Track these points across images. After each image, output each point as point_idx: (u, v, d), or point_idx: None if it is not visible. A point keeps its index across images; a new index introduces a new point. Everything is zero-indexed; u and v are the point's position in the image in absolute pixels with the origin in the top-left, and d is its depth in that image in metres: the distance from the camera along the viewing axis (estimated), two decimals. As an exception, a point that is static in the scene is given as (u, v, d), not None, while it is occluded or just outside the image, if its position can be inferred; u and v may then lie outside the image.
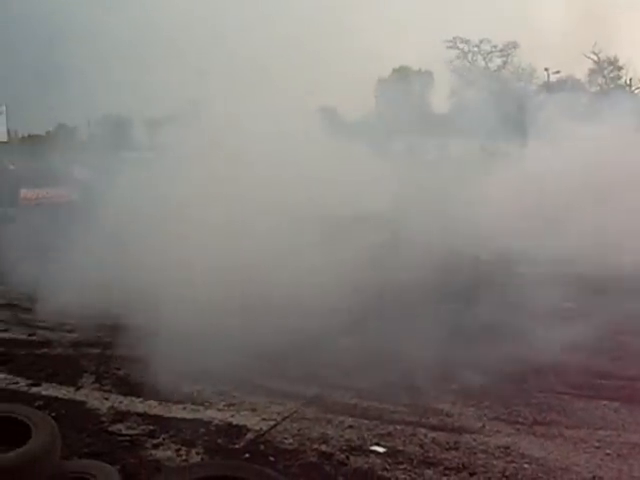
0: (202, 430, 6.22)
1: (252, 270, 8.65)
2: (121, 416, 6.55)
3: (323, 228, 9.78)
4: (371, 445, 5.95)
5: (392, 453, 5.81)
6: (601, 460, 5.77)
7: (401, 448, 5.90)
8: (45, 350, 8.58)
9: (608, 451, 5.94)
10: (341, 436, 6.10)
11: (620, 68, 36.25)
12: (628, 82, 31.76)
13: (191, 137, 10.50)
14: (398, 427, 6.28)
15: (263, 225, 9.22)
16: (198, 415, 6.58)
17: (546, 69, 30.89)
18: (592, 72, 35.89)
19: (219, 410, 6.69)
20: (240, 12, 13.07)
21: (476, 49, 40.31)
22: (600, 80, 35.29)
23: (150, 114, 14.94)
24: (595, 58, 36.50)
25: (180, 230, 9.06)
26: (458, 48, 40.06)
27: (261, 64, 11.93)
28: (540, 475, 5.48)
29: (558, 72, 29.85)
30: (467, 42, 40.26)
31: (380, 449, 5.87)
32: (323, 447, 5.91)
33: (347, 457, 5.73)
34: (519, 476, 5.45)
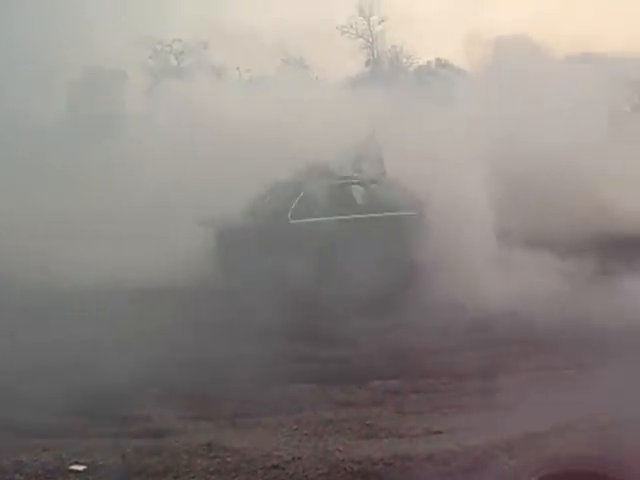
0: None
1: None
2: None
3: None
4: (70, 465, 5.63)
5: (93, 469, 5.52)
6: (299, 441, 6.06)
7: (102, 462, 5.63)
8: None
9: (306, 431, 6.25)
10: (36, 461, 5.67)
11: (307, 67, 38.42)
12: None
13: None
14: (98, 440, 6.03)
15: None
16: None
17: (237, 68, 31.77)
18: (280, 70, 37.57)
19: None
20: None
21: (168, 49, 40.21)
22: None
23: None
24: (285, 57, 38.28)
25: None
26: (151, 48, 39.75)
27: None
28: (242, 465, 5.58)
29: (249, 71, 30.91)
30: (160, 42, 40.11)
31: (79, 467, 5.57)
32: (17, 477, 5.45)
33: (44, 482, 5.37)
34: (222, 470, 5.51)
